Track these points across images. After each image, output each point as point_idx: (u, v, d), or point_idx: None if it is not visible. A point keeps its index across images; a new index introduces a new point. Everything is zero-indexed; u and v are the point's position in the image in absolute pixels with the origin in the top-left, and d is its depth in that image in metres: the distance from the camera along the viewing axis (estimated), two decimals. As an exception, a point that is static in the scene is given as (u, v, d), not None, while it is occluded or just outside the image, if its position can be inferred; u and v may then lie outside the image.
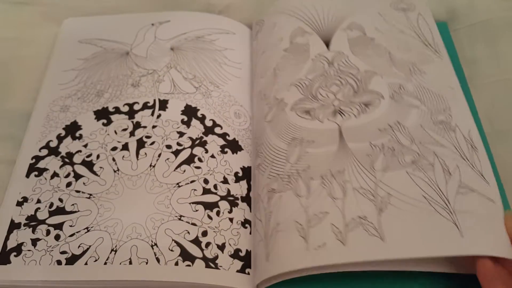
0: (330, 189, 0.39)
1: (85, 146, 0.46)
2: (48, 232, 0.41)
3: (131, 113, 0.48)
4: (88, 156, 0.45)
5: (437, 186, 0.38)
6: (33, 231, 0.41)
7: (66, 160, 0.45)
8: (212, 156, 0.45)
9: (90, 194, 0.43)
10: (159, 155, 0.45)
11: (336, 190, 0.39)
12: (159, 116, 0.48)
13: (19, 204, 0.42)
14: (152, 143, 0.46)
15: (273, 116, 0.46)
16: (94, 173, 0.44)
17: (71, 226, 0.41)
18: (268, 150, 0.44)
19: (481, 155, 0.40)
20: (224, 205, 0.42)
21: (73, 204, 0.42)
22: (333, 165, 0.40)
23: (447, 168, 0.39)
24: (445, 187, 0.37)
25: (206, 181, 0.43)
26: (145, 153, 0.45)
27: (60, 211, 0.42)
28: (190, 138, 0.46)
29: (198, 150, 0.45)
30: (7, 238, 0.40)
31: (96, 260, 0.39)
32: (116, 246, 0.40)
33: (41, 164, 0.45)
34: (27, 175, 0.44)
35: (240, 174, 0.45)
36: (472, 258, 0.35)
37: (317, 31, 0.50)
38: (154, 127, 0.47)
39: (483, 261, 0.34)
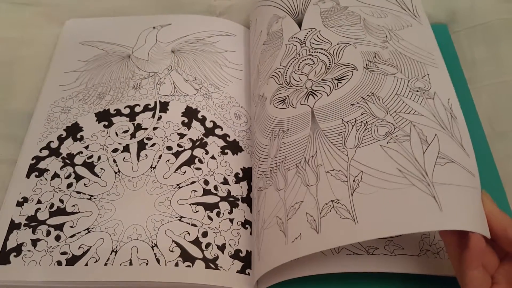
0: (304, 177, 0.37)
1: (86, 147, 0.46)
2: (48, 233, 0.41)
3: (132, 115, 0.48)
4: (89, 158, 0.45)
5: (414, 157, 0.34)
6: (33, 232, 0.41)
7: (67, 161, 0.45)
8: (213, 157, 0.45)
9: (91, 195, 0.43)
10: (160, 157, 0.45)
11: (310, 177, 0.37)
12: (159, 118, 0.48)
13: (19, 204, 0.42)
14: (153, 144, 0.46)
15: (258, 114, 0.45)
16: (95, 174, 0.44)
17: (71, 227, 0.41)
18: (256, 149, 0.43)
19: (460, 125, 0.36)
20: (224, 206, 0.42)
21: (73, 205, 0.42)
22: (307, 151, 0.38)
23: (425, 137, 0.35)
24: (422, 158, 0.34)
25: (206, 182, 0.43)
26: (146, 155, 0.45)
27: (61, 212, 0.42)
28: (191, 139, 0.46)
29: (198, 152, 0.45)
30: (7, 238, 0.40)
31: (96, 261, 0.39)
32: (116, 247, 0.40)
33: (41, 165, 0.45)
34: (28, 176, 0.44)
35: (241, 175, 0.45)
36: (449, 237, 0.33)
37: (289, 13, 0.48)
38: (154, 129, 0.47)
39: (479, 238, 0.31)
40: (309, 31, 0.46)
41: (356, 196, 0.34)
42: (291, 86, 0.43)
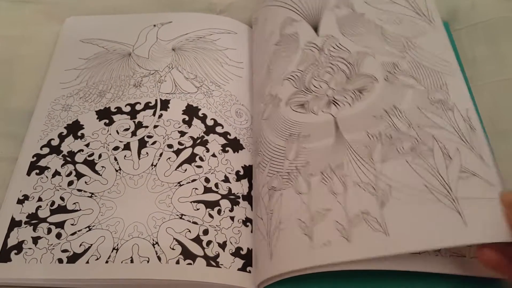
0: (330, 185, 0.38)
1: (87, 145, 0.46)
2: (49, 231, 0.41)
3: (133, 113, 0.48)
4: (90, 156, 0.45)
5: (438, 172, 0.36)
6: (34, 229, 0.41)
7: (68, 159, 0.45)
8: (213, 155, 0.45)
9: (92, 193, 0.43)
10: (161, 155, 0.45)
11: (336, 186, 0.38)
12: (160, 116, 0.48)
13: (20, 202, 0.42)
14: (154, 142, 0.46)
15: (269, 113, 0.45)
16: (96, 172, 0.44)
17: (72, 224, 0.41)
18: (267, 148, 0.43)
19: (479, 136, 0.38)
20: (225, 204, 0.42)
21: (74, 203, 0.42)
22: (332, 160, 0.39)
23: (447, 152, 0.37)
24: (445, 173, 0.36)
25: (207, 180, 0.43)
26: (147, 153, 0.45)
27: (62, 209, 0.42)
28: (191, 137, 0.46)
29: (199, 149, 0.45)
30: (7, 236, 0.40)
31: (97, 259, 0.39)
32: (117, 245, 0.40)
33: (42, 163, 0.45)
34: (28, 173, 0.44)
35: (242, 172, 0.45)
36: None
37: (305, 17, 0.48)
38: (155, 126, 0.47)
39: (482, 251, 0.33)
40: (326, 38, 0.46)
41: (386, 210, 0.36)
42: (310, 92, 0.43)
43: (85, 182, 0.43)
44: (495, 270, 0.33)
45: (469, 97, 0.41)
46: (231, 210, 0.42)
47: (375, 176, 0.37)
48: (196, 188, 0.43)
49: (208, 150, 0.45)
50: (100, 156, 0.45)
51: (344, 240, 0.35)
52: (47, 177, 0.44)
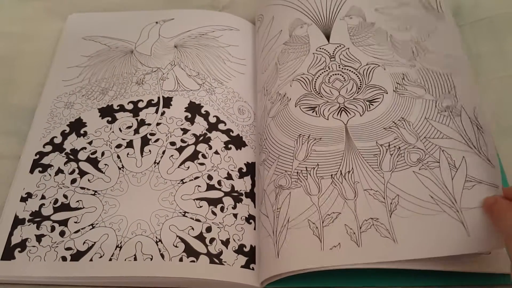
0: (341, 189, 0.39)
1: (90, 143, 0.46)
2: (53, 228, 0.41)
3: (135, 111, 0.48)
4: (93, 153, 0.45)
5: (444, 184, 0.38)
6: (38, 227, 0.41)
7: (71, 156, 0.45)
8: (216, 152, 0.45)
9: (95, 191, 0.43)
10: (163, 152, 0.45)
11: (347, 191, 0.39)
12: (163, 113, 0.48)
13: (23, 199, 0.42)
14: (156, 140, 0.46)
15: (277, 111, 0.45)
16: (99, 170, 0.44)
17: (76, 222, 0.41)
18: (273, 146, 0.43)
19: (486, 135, 0.39)
20: (228, 201, 0.42)
21: (78, 201, 0.42)
22: (342, 165, 0.40)
23: (453, 162, 0.39)
24: (451, 184, 0.38)
25: (210, 177, 0.43)
26: (150, 150, 0.45)
27: (65, 207, 0.42)
28: (194, 134, 0.46)
29: (202, 147, 0.45)
30: (11, 234, 0.40)
31: (101, 257, 0.39)
32: (121, 243, 0.40)
33: (45, 160, 0.45)
34: (31, 171, 0.44)
35: (244, 170, 0.45)
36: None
37: (315, 22, 0.50)
38: (158, 124, 0.47)
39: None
40: (337, 46, 0.47)
41: (394, 218, 0.37)
42: (321, 97, 0.45)
43: (88, 180, 0.43)
44: None
45: (477, 93, 0.42)
46: (234, 207, 0.42)
47: (384, 185, 0.39)
48: (199, 186, 0.43)
49: (210, 148, 0.45)
50: (103, 154, 0.45)
51: (354, 244, 0.37)
52: (50, 175, 0.44)
